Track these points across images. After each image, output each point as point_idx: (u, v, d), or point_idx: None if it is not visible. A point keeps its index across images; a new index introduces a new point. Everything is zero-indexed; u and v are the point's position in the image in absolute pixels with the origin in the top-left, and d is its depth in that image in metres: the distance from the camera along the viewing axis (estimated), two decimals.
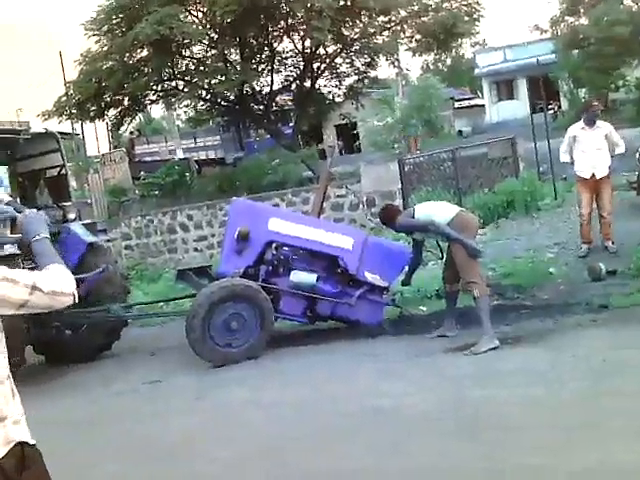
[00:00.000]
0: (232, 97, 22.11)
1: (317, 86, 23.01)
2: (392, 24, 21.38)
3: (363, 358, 7.00)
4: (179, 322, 8.51)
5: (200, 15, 20.51)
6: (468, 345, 6.67)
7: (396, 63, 24.05)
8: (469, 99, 43.13)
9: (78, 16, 47.56)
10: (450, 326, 7.33)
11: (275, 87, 22.77)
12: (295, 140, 24.21)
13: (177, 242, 16.10)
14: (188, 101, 23.95)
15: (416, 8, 20.93)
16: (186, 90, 21.64)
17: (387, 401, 5.64)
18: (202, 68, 20.98)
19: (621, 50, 26.79)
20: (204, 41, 20.57)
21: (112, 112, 22.12)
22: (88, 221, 9.67)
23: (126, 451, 5.48)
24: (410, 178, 14.00)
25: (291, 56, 22.76)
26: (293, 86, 23.29)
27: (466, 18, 21.13)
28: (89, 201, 19.90)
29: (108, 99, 20.99)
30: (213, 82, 20.70)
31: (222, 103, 23.16)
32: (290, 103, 25.93)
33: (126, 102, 21.74)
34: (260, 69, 21.99)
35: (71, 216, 8.96)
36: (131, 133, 32.68)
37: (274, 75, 22.33)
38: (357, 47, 22.24)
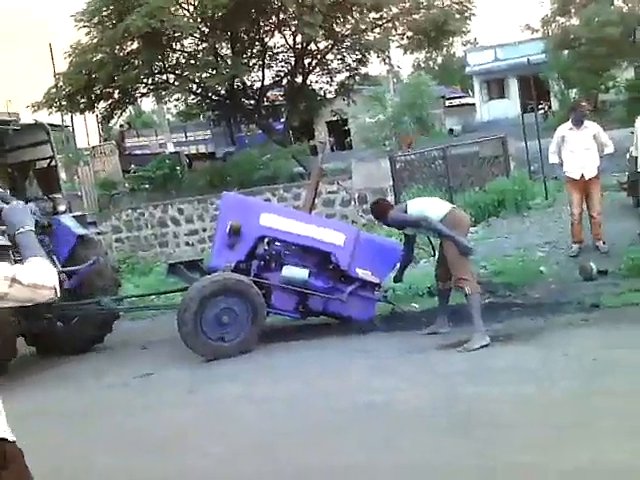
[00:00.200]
0: (223, 91, 22.08)
1: (308, 82, 23.02)
2: (383, 21, 21.43)
3: (355, 354, 6.99)
4: (170, 316, 8.49)
5: (191, 8, 20.40)
6: (460, 342, 6.69)
7: (387, 60, 24.10)
8: (460, 97, 43.18)
9: (67, 6, 47.21)
10: (442, 323, 7.34)
11: (266, 82, 22.78)
12: (286, 135, 24.18)
13: (168, 236, 16.09)
14: (179, 95, 23.92)
15: (407, 5, 21.01)
16: (177, 84, 21.59)
17: (379, 397, 5.63)
18: (193, 62, 20.90)
19: (612, 51, 26.88)
20: (195, 35, 20.52)
21: (102, 104, 22.04)
22: (78, 213, 9.63)
23: (117, 444, 5.46)
24: (401, 175, 14.01)
25: (282, 51, 22.75)
26: (284, 81, 23.27)
27: (457, 16, 21.25)
28: (79, 193, 19.81)
29: (98, 91, 20.89)
30: (204, 76, 20.67)
31: (213, 97, 23.10)
32: (281, 98, 25.93)
33: (116, 95, 21.65)
34: (251, 64, 21.97)
35: (61, 208, 8.92)
36: (121, 126, 32.48)
37: (265, 70, 22.35)
38: (348, 43, 22.28)
